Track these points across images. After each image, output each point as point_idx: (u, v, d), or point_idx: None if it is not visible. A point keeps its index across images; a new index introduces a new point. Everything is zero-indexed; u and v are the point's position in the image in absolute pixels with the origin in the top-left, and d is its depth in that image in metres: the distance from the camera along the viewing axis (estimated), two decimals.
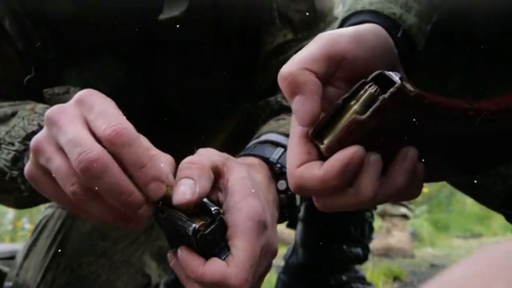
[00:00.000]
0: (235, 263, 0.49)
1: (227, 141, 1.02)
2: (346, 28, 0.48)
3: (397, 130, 0.44)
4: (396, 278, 1.87)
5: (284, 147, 0.67)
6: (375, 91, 0.43)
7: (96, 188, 0.49)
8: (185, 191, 0.50)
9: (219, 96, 0.88)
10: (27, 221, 3.91)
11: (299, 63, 0.45)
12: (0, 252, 1.24)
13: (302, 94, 0.44)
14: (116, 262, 0.98)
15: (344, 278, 1.08)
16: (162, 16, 0.73)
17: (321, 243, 1.09)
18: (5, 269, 1.06)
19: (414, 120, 0.44)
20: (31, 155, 0.54)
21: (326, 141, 0.45)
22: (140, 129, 0.59)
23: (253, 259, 0.50)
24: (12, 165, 0.66)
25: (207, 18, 0.77)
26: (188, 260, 0.50)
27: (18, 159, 0.66)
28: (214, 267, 0.49)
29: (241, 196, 0.53)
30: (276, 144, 0.67)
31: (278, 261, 1.33)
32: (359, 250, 1.08)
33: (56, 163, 0.51)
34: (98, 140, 0.49)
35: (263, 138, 0.70)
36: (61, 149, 0.51)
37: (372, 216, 1.12)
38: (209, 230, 0.50)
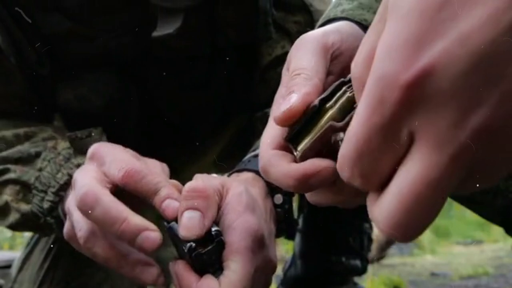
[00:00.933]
0: (226, 283, 0.50)
1: (223, 152, 1.01)
2: (325, 26, 0.48)
3: None
4: None
5: None
6: (354, 94, 0.37)
7: (94, 221, 0.53)
8: (193, 226, 0.50)
9: (216, 108, 0.88)
10: None
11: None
12: None
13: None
14: (112, 275, 0.97)
15: None
16: (155, 33, 0.72)
17: (319, 255, 1.08)
18: (0, 281, 1.04)
19: None
20: (68, 216, 0.59)
21: (300, 148, 0.41)
22: (135, 142, 0.60)
23: (245, 281, 0.50)
24: (48, 213, 0.71)
25: (201, 34, 0.76)
26: (183, 275, 0.51)
27: (53, 209, 0.70)
28: (207, 285, 0.49)
29: (236, 214, 0.53)
30: None
31: (278, 271, 1.31)
32: (358, 262, 1.07)
33: (74, 215, 0.56)
34: (115, 185, 0.55)
35: (258, 151, 0.69)
36: None
37: (371, 227, 1.11)
38: (206, 250, 0.51)
